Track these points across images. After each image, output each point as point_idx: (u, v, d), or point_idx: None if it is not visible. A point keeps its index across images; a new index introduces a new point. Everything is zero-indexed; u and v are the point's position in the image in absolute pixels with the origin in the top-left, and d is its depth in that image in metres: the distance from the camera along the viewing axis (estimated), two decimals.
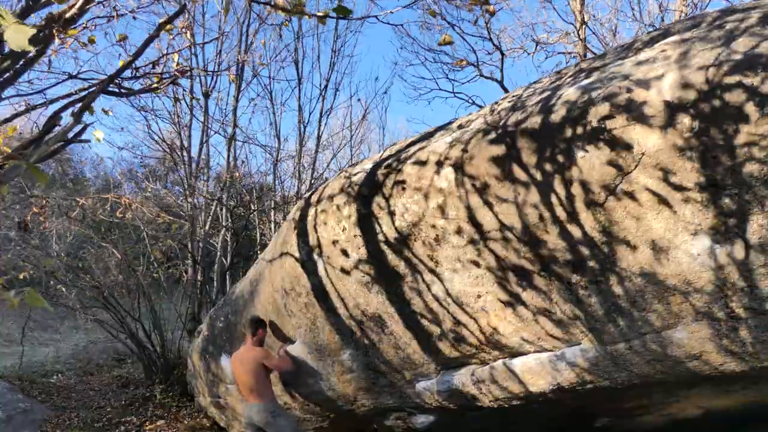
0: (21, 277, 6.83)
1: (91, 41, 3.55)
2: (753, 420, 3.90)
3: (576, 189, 2.91)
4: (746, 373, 2.87)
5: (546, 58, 15.71)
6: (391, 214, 3.68)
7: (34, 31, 1.61)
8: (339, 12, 2.72)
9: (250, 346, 4.55)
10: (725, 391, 3.35)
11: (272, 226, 10.66)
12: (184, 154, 9.37)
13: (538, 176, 3.03)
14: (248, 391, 4.45)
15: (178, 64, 4.07)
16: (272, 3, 3.16)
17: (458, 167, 3.35)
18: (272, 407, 4.43)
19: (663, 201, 2.68)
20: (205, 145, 9.57)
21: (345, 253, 3.97)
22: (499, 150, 3.18)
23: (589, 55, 9.41)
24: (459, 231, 3.38)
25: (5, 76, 2.47)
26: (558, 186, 2.97)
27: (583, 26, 9.69)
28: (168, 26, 3.15)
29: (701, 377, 3.01)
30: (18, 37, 1.57)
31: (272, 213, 10.88)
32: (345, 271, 4.00)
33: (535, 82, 3.97)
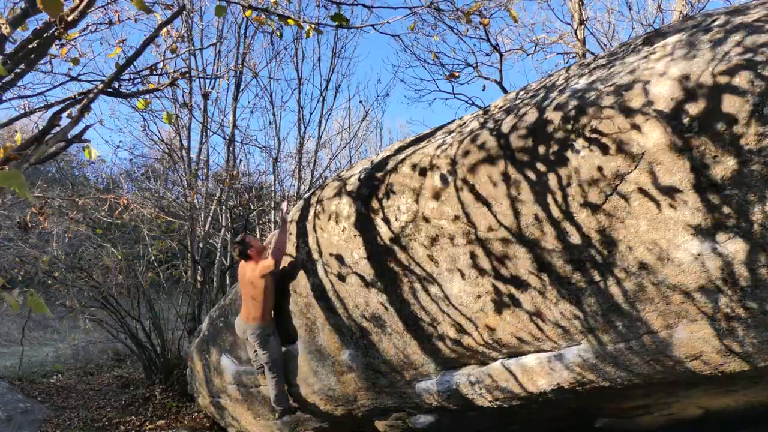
0: (20, 277, 6.82)
1: (75, 62, 3.59)
2: (753, 420, 3.90)
3: (573, 190, 2.91)
4: (746, 373, 2.88)
5: (545, 58, 15.72)
6: (389, 215, 3.68)
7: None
8: (336, 20, 2.75)
9: (255, 265, 4.38)
10: (725, 391, 3.35)
11: (272, 226, 10.65)
12: (183, 154, 9.38)
13: (534, 177, 3.03)
14: (249, 313, 4.43)
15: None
16: (267, 9, 3.18)
17: (454, 168, 3.35)
18: (270, 329, 4.46)
19: (662, 201, 2.68)
20: (204, 145, 9.59)
21: (344, 253, 3.97)
22: (495, 151, 3.19)
23: (588, 55, 9.40)
24: (456, 232, 3.38)
25: (6, 79, 2.47)
26: (555, 187, 2.97)
27: (581, 26, 9.68)
28: (165, 29, 3.16)
29: (701, 377, 3.01)
30: None
31: (272, 213, 10.88)
32: (344, 272, 4.00)
33: (531, 84, 3.97)
